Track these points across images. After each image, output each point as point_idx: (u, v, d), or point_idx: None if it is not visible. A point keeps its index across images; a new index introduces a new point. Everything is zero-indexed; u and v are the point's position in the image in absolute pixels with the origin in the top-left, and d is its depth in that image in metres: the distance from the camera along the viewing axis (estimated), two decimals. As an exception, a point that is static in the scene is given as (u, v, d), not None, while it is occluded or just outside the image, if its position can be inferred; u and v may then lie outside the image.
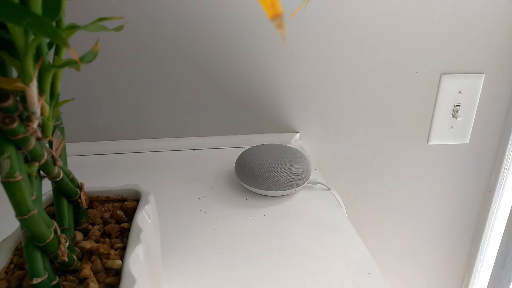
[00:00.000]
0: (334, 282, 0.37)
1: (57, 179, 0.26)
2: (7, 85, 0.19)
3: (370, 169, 0.74)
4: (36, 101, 0.20)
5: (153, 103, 0.64)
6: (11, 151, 0.20)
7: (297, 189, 0.51)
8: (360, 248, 0.42)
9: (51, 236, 0.23)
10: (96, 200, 0.32)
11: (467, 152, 0.75)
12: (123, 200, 0.33)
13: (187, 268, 0.39)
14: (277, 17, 0.15)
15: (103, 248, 0.26)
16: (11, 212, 0.21)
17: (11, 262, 0.26)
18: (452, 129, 0.72)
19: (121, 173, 0.58)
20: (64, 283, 0.24)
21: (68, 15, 0.56)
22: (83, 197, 0.28)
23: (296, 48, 0.63)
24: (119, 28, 0.25)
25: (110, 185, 0.35)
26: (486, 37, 0.67)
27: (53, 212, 0.28)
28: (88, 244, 0.27)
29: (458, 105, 0.70)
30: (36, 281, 0.22)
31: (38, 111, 0.20)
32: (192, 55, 0.61)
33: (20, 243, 0.27)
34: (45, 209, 0.28)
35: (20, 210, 0.21)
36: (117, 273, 0.25)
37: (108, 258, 0.26)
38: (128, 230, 0.29)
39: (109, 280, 0.25)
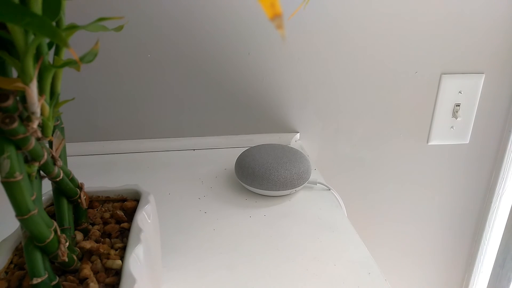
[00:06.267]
0: (334, 282, 0.37)
1: (57, 179, 0.26)
2: (7, 85, 0.19)
3: (370, 169, 0.74)
4: (36, 101, 0.20)
5: (153, 103, 0.64)
6: (11, 151, 0.20)
7: (297, 189, 0.51)
8: (360, 248, 0.42)
9: (51, 236, 0.23)
10: (96, 200, 0.32)
11: (467, 152, 0.75)
12: (123, 200, 0.33)
13: (187, 268, 0.39)
14: (276, 18, 0.15)
15: (103, 248, 0.26)
16: (11, 212, 0.21)
17: (11, 262, 0.26)
18: (452, 129, 0.72)
19: (121, 173, 0.58)
20: (64, 283, 0.24)
21: (68, 15, 0.56)
22: (83, 197, 0.28)
23: (296, 48, 0.63)
24: (119, 28, 0.25)
25: (110, 185, 0.35)
26: (486, 37, 0.67)
27: (53, 212, 0.28)
28: (88, 244, 0.27)
29: (458, 105, 0.70)
30: (36, 281, 0.22)
31: (38, 111, 0.20)
32: (192, 55, 0.62)
33: (20, 243, 0.27)
34: (45, 209, 0.28)
35: (20, 210, 0.21)
36: (117, 273, 0.25)
37: (108, 258, 0.26)
38: (128, 230, 0.29)
39: (109, 280, 0.25)
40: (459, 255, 0.85)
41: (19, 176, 0.20)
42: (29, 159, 0.22)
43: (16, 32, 0.18)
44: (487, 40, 0.67)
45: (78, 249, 0.27)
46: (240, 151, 0.65)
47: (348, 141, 0.71)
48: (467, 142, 0.74)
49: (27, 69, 0.19)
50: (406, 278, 0.85)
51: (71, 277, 0.25)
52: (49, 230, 0.23)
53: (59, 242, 0.24)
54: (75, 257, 0.25)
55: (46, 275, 0.23)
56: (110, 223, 0.30)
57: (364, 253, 0.41)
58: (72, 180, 0.28)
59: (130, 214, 0.31)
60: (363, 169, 0.74)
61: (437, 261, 0.85)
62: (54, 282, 0.23)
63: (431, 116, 0.71)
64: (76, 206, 0.29)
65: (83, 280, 0.25)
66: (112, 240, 0.28)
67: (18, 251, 0.27)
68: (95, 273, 0.25)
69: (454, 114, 0.71)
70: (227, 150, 0.66)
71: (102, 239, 0.28)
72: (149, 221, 0.30)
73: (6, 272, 0.25)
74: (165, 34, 0.60)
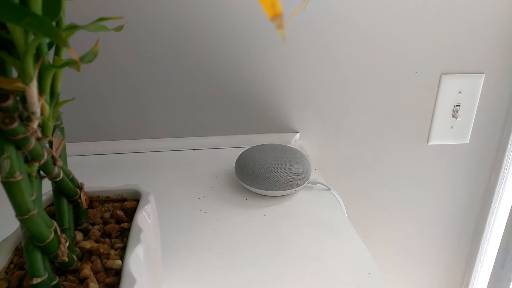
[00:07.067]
0: (334, 282, 0.37)
1: (57, 179, 0.26)
2: (7, 85, 0.19)
3: (370, 169, 0.74)
4: (36, 101, 0.20)
5: (153, 103, 0.64)
6: (11, 151, 0.20)
7: (297, 189, 0.51)
8: (360, 248, 0.42)
9: (51, 236, 0.23)
10: (96, 200, 0.32)
11: (467, 152, 0.75)
12: (123, 200, 0.33)
13: (187, 268, 0.39)
14: (277, 17, 0.15)
15: (103, 248, 0.26)
16: (11, 212, 0.21)
17: (11, 262, 0.26)
18: (452, 129, 0.72)
19: (121, 173, 0.58)
20: (64, 283, 0.24)
21: (68, 15, 0.56)
22: (83, 197, 0.28)
23: (296, 48, 0.63)
24: (119, 28, 0.25)
25: (110, 185, 0.35)
26: (486, 37, 0.67)
27: (53, 212, 0.28)
28: (88, 244, 0.27)
29: (458, 105, 0.70)
30: (36, 281, 0.22)
31: (38, 111, 0.20)
32: (192, 55, 0.62)
33: (20, 243, 0.27)
34: (45, 209, 0.28)
35: (20, 210, 0.21)
36: (117, 273, 0.25)
37: (108, 258, 0.26)
38: (128, 230, 0.29)
39: (109, 280, 0.25)
40: (459, 255, 0.85)
41: (19, 176, 0.20)
42: (29, 159, 0.22)
43: (16, 32, 0.18)
44: (487, 40, 0.67)
45: (78, 249, 0.27)
46: (240, 151, 0.65)
47: (348, 141, 0.71)
48: (467, 142, 0.74)
49: (27, 69, 0.19)
50: (406, 278, 0.85)
51: (71, 277, 0.25)
52: (49, 230, 0.23)
53: (59, 242, 0.24)
54: (75, 257, 0.25)
55: (46, 275, 0.23)
56: (110, 223, 0.30)
57: (364, 253, 0.41)
58: (72, 180, 0.28)
59: (130, 214, 0.31)
60: (363, 169, 0.74)
61: (437, 261, 0.85)
62: (54, 282, 0.23)
63: (431, 116, 0.71)
64: (76, 206, 0.29)
65: (83, 280, 0.25)
66: (112, 240, 0.28)
67: (18, 251, 0.27)
68: (95, 273, 0.25)
69: (454, 114, 0.71)
70: (227, 150, 0.66)
71: (102, 239, 0.28)
72: (149, 221, 0.30)
73: (6, 272, 0.25)
74: (165, 34, 0.60)
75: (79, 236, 0.28)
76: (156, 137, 0.66)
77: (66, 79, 0.61)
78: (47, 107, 0.22)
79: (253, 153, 0.52)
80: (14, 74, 0.21)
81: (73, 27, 0.21)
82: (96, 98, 0.62)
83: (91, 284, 0.24)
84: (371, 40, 0.64)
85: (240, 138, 0.67)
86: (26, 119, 0.20)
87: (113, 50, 0.60)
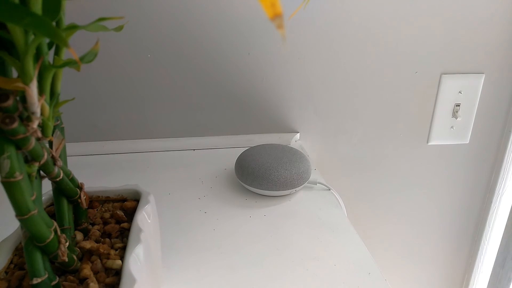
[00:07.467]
0: (334, 282, 0.37)
1: (57, 179, 0.26)
2: (7, 85, 0.19)
3: (370, 169, 0.74)
4: (36, 101, 0.20)
5: (153, 103, 0.64)
6: (11, 151, 0.20)
7: (297, 189, 0.51)
8: (360, 248, 0.42)
9: (51, 236, 0.23)
10: (96, 200, 0.32)
11: (467, 152, 0.75)
12: (123, 200, 0.33)
13: (187, 268, 0.39)
14: (277, 17, 0.15)
15: (103, 248, 0.26)
16: (11, 212, 0.21)
17: (11, 262, 0.26)
18: (452, 129, 0.72)
19: (121, 173, 0.58)
20: (64, 283, 0.24)
21: (68, 15, 0.56)
22: (83, 197, 0.28)
23: (296, 48, 0.63)
24: (119, 28, 0.25)
25: (110, 185, 0.35)
26: (486, 37, 0.67)
27: (53, 212, 0.28)
28: (88, 244, 0.27)
29: (458, 105, 0.70)
30: (36, 281, 0.22)
31: (38, 111, 0.20)
32: (192, 55, 0.62)
33: (20, 243, 0.27)
34: (45, 209, 0.28)
35: (20, 210, 0.21)
36: (117, 273, 0.25)
37: (108, 258, 0.26)
38: (128, 230, 0.29)
39: (109, 280, 0.25)
40: (459, 255, 0.85)
41: (19, 176, 0.20)
42: (29, 159, 0.22)
43: (16, 32, 0.18)
44: (487, 40, 0.67)
45: (78, 249, 0.27)
46: (240, 151, 0.65)
47: (348, 141, 0.71)
48: (467, 142, 0.74)
49: (27, 69, 0.19)
50: (406, 278, 0.85)
51: (71, 277, 0.25)
52: (49, 230, 0.23)
53: (59, 242, 0.24)
54: (75, 257, 0.25)
55: (46, 275, 0.23)
56: (110, 223, 0.30)
57: (364, 253, 0.41)
58: (72, 180, 0.28)
59: (130, 214, 0.31)
60: (363, 169, 0.74)
61: (437, 261, 0.85)
62: (54, 282, 0.23)
63: (431, 116, 0.71)
64: (76, 206, 0.29)
65: (83, 280, 0.25)
66: (112, 240, 0.28)
67: (18, 251, 0.27)
68: (95, 273, 0.25)
69: (454, 114, 0.71)
70: (227, 150, 0.66)
71: (102, 239, 0.28)
72: (149, 221, 0.30)
73: (6, 272, 0.25)
74: (165, 34, 0.60)
75: (79, 236, 0.28)
76: (156, 137, 0.66)
77: (66, 79, 0.61)
78: (47, 107, 0.22)
79: (253, 153, 0.52)
80: (14, 74, 0.21)
81: (73, 27, 0.21)
82: (96, 98, 0.62)
83: (91, 284, 0.24)
84: (371, 40, 0.64)
85: (240, 138, 0.67)
86: (26, 119, 0.20)
87: (113, 50, 0.60)
